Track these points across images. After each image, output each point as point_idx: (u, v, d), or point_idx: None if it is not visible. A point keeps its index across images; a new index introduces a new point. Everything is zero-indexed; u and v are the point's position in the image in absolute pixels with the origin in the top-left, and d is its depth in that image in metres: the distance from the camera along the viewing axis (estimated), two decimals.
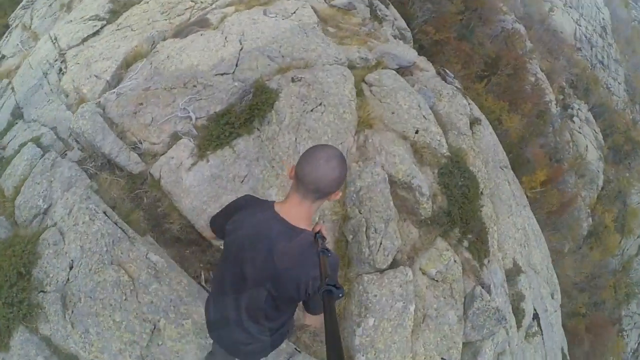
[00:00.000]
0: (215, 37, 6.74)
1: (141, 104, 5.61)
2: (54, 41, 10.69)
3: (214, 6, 9.62)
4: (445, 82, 8.66)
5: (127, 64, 7.50)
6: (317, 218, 4.41)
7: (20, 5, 20.50)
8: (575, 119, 48.05)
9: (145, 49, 7.70)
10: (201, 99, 5.42)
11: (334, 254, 1.80)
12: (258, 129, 4.82)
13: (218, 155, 4.65)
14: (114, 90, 6.19)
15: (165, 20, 9.75)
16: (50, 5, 18.27)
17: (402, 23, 24.06)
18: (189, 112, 5.15)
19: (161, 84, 5.98)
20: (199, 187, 4.52)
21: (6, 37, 18.96)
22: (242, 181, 4.49)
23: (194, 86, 5.71)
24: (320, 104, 5.11)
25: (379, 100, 5.94)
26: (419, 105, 6.07)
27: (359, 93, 5.92)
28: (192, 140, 4.90)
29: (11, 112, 7.34)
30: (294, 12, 9.11)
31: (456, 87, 9.03)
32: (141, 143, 5.18)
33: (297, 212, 1.87)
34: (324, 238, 1.84)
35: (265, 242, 1.87)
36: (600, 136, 50.29)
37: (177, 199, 4.54)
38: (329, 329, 1.12)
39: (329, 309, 1.28)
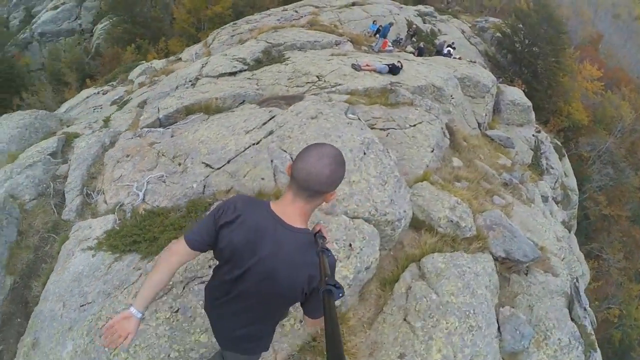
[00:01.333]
0: (256, 120, 6.79)
1: (128, 155, 5.50)
2: (203, 65, 12.39)
3: (334, 90, 9.82)
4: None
5: (187, 110, 8.30)
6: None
7: (223, 27, 23.07)
8: None
9: (218, 105, 8.53)
10: (165, 183, 5.36)
11: (332, 254, 1.78)
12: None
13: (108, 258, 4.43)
14: (141, 129, 7.08)
15: (286, 86, 10.38)
16: (232, 36, 20.12)
17: (572, 182, 21.77)
18: (139, 192, 5.11)
19: (165, 145, 6.27)
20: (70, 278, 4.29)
21: (192, 46, 21.32)
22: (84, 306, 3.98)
23: (179, 164, 5.72)
24: None
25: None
26: None
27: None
28: (116, 222, 4.76)
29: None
30: (413, 125, 8.71)
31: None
32: (97, 194, 5.35)
33: (291, 211, 1.86)
34: (324, 238, 1.82)
35: (264, 242, 1.84)
36: None
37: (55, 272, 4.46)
38: (329, 329, 1.12)
39: (329, 308, 1.26)
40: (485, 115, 14.57)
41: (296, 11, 24.93)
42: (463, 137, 11.65)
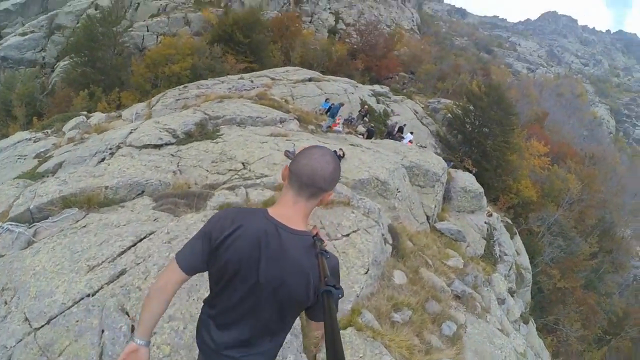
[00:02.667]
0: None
1: None
2: (132, 131, 10.97)
3: (259, 182, 8.29)
4: None
5: (65, 202, 6.84)
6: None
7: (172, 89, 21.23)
8: None
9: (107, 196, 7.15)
10: None
11: (333, 255, 1.76)
12: None
13: None
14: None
15: (207, 170, 8.98)
16: (177, 100, 18.52)
17: (524, 260, 20.45)
18: None
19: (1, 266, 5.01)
20: None
21: (135, 105, 19.09)
22: None
23: (5, 302, 4.35)
24: None
25: None
26: None
27: None
28: None
29: None
30: (347, 235, 7.21)
31: None
32: None
33: (293, 213, 1.76)
34: (321, 240, 1.75)
35: (270, 250, 1.71)
36: None
37: None
38: (329, 329, 1.11)
39: (328, 309, 1.24)
40: (435, 206, 13.18)
41: (252, 81, 23.96)
42: (409, 237, 10.16)
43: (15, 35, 39.57)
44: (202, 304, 2.04)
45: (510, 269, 16.92)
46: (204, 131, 11.92)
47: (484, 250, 15.00)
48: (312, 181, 1.71)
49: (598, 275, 33.70)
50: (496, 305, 10.51)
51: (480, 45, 77.41)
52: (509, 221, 24.01)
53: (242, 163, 9.46)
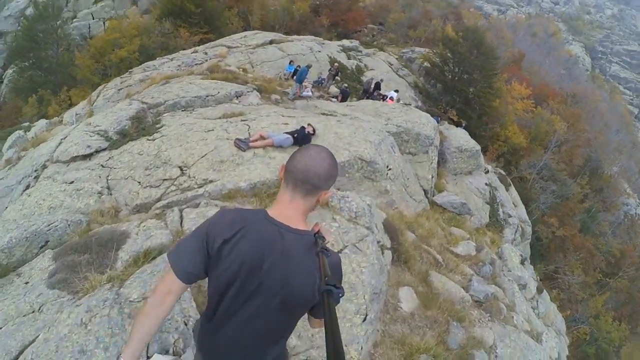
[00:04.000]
0: None
1: None
2: (61, 142, 8.89)
3: (202, 192, 6.48)
4: None
5: None
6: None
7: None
8: None
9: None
10: None
11: (334, 254, 1.67)
12: None
13: None
14: None
15: (139, 183, 7.06)
16: (119, 90, 15.69)
17: (522, 212, 18.48)
18: None
19: None
20: None
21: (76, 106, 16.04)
22: None
23: None
24: None
25: None
26: None
27: None
28: None
29: None
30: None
31: None
32: None
33: (292, 212, 1.66)
34: (323, 238, 1.65)
35: (272, 251, 1.61)
36: None
37: None
38: (329, 329, 1.06)
39: (328, 308, 1.18)
40: (432, 177, 10.83)
41: (206, 53, 20.90)
42: (408, 225, 7.91)
43: None
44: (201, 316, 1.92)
45: (516, 231, 14.88)
46: (141, 126, 9.24)
47: (489, 218, 12.84)
48: (306, 178, 1.60)
49: (591, 216, 32.44)
50: (520, 296, 8.36)
51: None
52: (502, 172, 22.07)
53: (180, 167, 7.18)
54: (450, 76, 27.46)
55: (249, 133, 8.62)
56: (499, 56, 30.00)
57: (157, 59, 22.05)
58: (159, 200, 6.37)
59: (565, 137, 32.59)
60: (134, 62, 25.74)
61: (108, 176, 7.13)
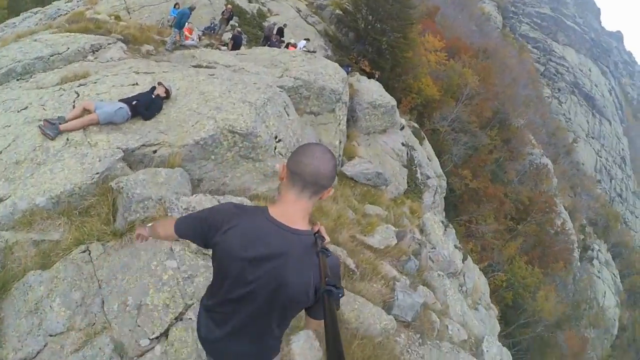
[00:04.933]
0: None
1: None
2: None
3: None
4: None
5: None
6: None
7: None
8: (595, 261, 42.24)
9: None
10: None
11: (333, 255, 1.65)
12: None
13: None
14: None
15: None
16: None
17: (436, 165, 17.61)
18: None
19: None
20: None
21: None
22: None
23: None
24: None
25: None
26: None
27: None
28: None
29: None
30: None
31: None
32: None
33: (294, 212, 1.63)
34: (323, 238, 1.62)
35: (267, 251, 1.59)
36: (618, 279, 44.80)
37: None
38: (329, 329, 1.06)
39: (329, 308, 1.17)
40: (340, 142, 8.58)
41: (70, 0, 16.76)
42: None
43: None
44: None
45: (435, 193, 13.34)
46: None
47: (407, 183, 11.02)
48: (316, 180, 1.57)
49: (499, 165, 32.79)
50: (452, 293, 6.56)
51: None
52: (416, 125, 20.60)
53: None
54: (363, 24, 25.09)
55: (74, 105, 5.77)
56: (414, 5, 28.07)
57: (21, 15, 17.60)
58: None
59: (476, 90, 32.05)
60: (1, 19, 20.72)
61: None
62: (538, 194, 32.96)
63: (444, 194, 17.57)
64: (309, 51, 13.73)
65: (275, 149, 6.07)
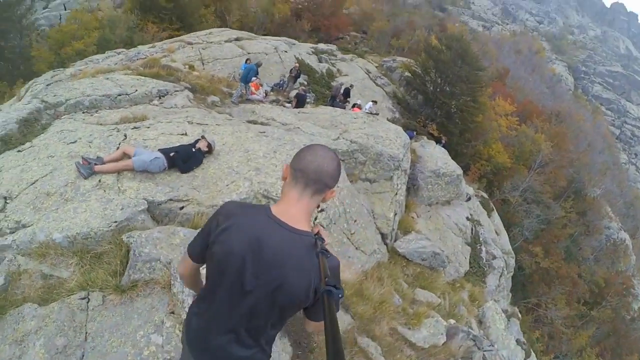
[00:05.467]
0: None
1: None
2: None
3: (9, 242, 4.34)
4: None
5: None
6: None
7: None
8: None
9: None
10: None
11: (333, 256, 1.59)
12: None
13: None
14: None
15: None
16: (47, 86, 12.69)
17: (504, 241, 16.11)
18: None
19: None
20: None
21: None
22: None
23: None
24: None
25: None
26: None
27: None
28: None
29: None
30: None
31: None
32: None
33: (296, 211, 1.58)
34: (322, 239, 1.57)
35: (267, 248, 1.53)
36: None
37: None
38: (329, 330, 1.03)
39: (328, 309, 1.13)
40: (395, 214, 7.61)
41: (153, 46, 17.60)
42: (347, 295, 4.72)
43: None
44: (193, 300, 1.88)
45: (501, 275, 11.79)
46: (28, 130, 7.02)
47: (470, 263, 9.69)
48: (319, 177, 1.54)
49: (573, 240, 29.55)
50: None
51: (433, 4, 70.98)
52: (485, 195, 19.00)
53: (4, 197, 4.92)
54: (431, 87, 24.45)
55: (118, 146, 5.54)
56: (484, 67, 27.07)
57: (106, 52, 18.86)
58: None
59: (549, 157, 29.66)
60: (91, 55, 22.51)
61: None
62: (614, 274, 28.97)
63: (512, 273, 15.77)
64: (371, 113, 13.11)
65: (315, 219, 5.29)
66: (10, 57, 26.55)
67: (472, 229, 10.61)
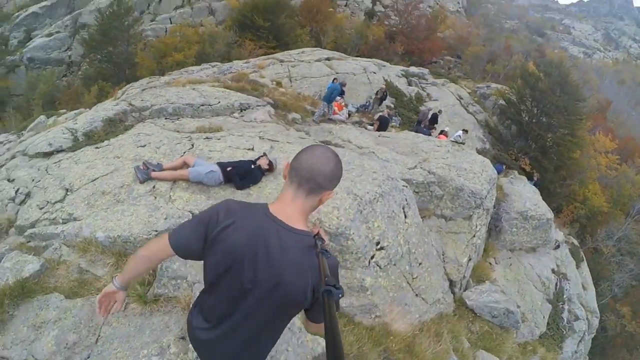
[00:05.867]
0: None
1: None
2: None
3: (58, 232, 4.51)
4: None
5: None
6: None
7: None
8: None
9: None
10: None
11: (332, 256, 1.56)
12: None
13: None
14: None
15: (39, 197, 5.33)
16: (142, 90, 13.57)
17: (591, 299, 13.85)
18: None
19: None
20: None
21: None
22: None
23: None
24: None
25: None
26: None
27: None
28: None
29: None
30: None
31: None
32: None
33: (291, 210, 1.57)
34: (322, 240, 1.55)
35: (265, 247, 1.51)
36: None
37: None
38: (329, 329, 1.02)
39: (328, 309, 1.12)
40: (469, 259, 6.63)
41: (247, 62, 17.92)
42: (389, 354, 4.04)
43: (41, 37, 36.42)
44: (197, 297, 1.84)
45: (580, 341, 10.10)
46: (111, 129, 7.43)
47: (547, 324, 8.29)
48: (311, 176, 1.51)
49: None
50: None
51: (532, 28, 66.58)
52: (575, 242, 16.74)
53: (66, 189, 5.20)
54: (527, 117, 22.49)
55: (184, 153, 5.42)
56: (585, 98, 24.37)
57: (201, 65, 19.71)
58: (32, 226, 4.71)
59: None
60: (188, 65, 23.94)
61: (38, 182, 5.61)
62: None
63: (593, 335, 13.66)
64: (457, 142, 12.03)
65: (372, 257, 4.58)
66: (118, 62, 29.25)
67: (556, 284, 9.14)
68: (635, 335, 20.73)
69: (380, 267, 4.59)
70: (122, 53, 29.18)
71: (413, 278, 5.13)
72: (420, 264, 5.30)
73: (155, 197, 4.67)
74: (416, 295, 5.14)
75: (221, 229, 1.53)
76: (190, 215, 4.31)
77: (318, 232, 1.58)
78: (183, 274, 3.57)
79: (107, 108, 8.13)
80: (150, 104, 8.42)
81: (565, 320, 9.07)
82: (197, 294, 3.38)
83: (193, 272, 3.58)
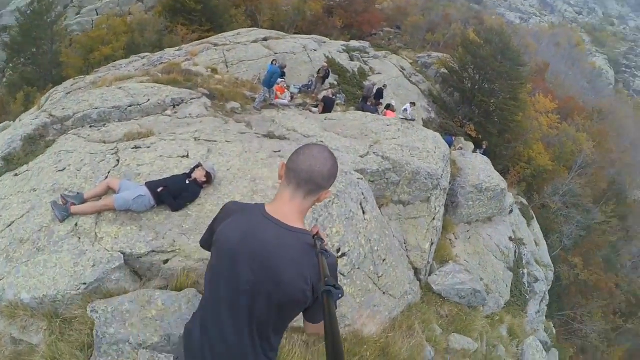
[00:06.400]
0: None
1: None
2: None
3: None
4: None
5: None
6: None
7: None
8: None
9: None
10: None
11: (332, 255, 1.54)
12: None
13: None
14: None
15: None
16: (67, 94, 12.51)
17: (544, 253, 14.72)
18: None
19: None
20: None
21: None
22: None
23: None
24: None
25: None
26: None
27: None
28: None
29: None
30: None
31: None
32: None
33: (289, 211, 1.54)
34: (322, 239, 1.52)
35: (263, 246, 1.49)
36: None
37: None
38: (329, 330, 1.00)
39: (328, 309, 1.10)
40: (431, 244, 6.52)
41: (180, 49, 16.92)
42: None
43: None
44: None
45: (542, 300, 10.51)
46: (31, 149, 6.42)
47: (511, 291, 8.48)
48: (311, 177, 1.49)
49: (612, 246, 27.21)
50: None
51: None
52: (524, 201, 17.43)
53: None
54: (469, 84, 22.92)
55: (107, 176, 4.69)
56: (526, 63, 25.10)
57: (130, 57, 18.36)
58: None
59: (591, 158, 27.34)
60: (118, 58, 22.21)
61: None
62: None
63: (549, 287, 14.38)
64: (406, 119, 11.90)
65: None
66: (42, 63, 26.64)
67: (515, 251, 9.36)
68: (588, 282, 22.05)
69: (344, 275, 4.32)
70: (46, 53, 26.76)
71: (379, 277, 4.91)
72: (384, 260, 5.09)
73: (80, 238, 3.96)
74: (383, 293, 4.94)
75: (219, 230, 1.56)
76: (122, 256, 3.77)
77: (317, 232, 1.56)
78: (123, 336, 3.09)
79: (27, 123, 7.10)
80: (73, 112, 7.35)
81: (527, 285, 9.33)
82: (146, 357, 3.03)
83: (135, 332, 3.12)
